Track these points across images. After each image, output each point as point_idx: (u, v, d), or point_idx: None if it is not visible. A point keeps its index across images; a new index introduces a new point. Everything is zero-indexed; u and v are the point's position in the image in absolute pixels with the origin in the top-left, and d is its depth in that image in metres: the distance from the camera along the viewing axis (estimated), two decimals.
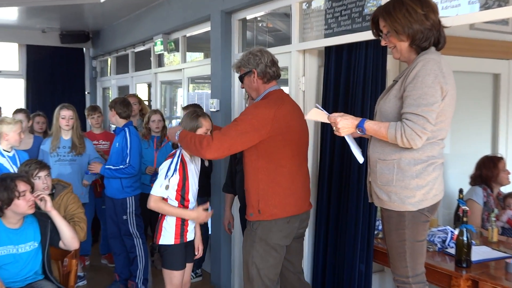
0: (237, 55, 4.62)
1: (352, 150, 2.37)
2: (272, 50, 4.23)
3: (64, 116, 4.57)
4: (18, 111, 5.12)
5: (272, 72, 2.93)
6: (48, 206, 3.07)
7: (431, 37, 2.19)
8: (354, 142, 2.40)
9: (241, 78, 2.99)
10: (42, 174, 3.47)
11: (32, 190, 3.02)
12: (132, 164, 4.27)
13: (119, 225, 4.45)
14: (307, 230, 3.74)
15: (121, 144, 4.31)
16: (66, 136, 4.61)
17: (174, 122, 6.90)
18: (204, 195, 4.81)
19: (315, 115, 2.34)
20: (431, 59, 2.12)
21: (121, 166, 4.28)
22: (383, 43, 2.31)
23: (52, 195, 3.55)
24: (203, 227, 4.79)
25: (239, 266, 4.77)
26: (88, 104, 8.94)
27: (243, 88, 3.04)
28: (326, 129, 3.54)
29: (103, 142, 5.34)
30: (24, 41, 8.51)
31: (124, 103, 4.34)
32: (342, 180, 3.35)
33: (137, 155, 4.30)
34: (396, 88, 2.22)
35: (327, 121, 2.29)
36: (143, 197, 4.69)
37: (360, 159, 2.38)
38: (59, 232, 3.09)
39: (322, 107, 2.42)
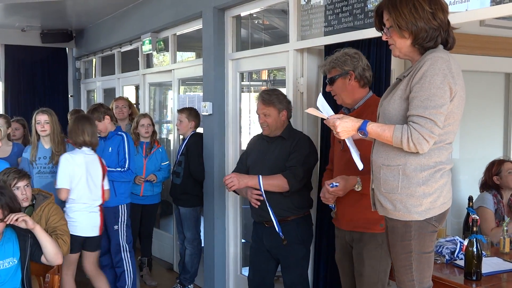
0: (231, 54, 4.64)
1: (352, 155, 2.38)
2: (269, 49, 4.27)
3: (39, 121, 4.33)
4: None
5: (369, 76, 2.98)
6: (30, 224, 3.04)
7: (436, 37, 2.19)
8: (354, 146, 2.40)
9: (332, 80, 2.98)
10: (21, 184, 3.44)
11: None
12: (132, 168, 4.35)
13: (109, 237, 4.44)
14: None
15: (115, 149, 4.33)
16: (47, 144, 4.40)
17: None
18: (197, 205, 4.81)
19: (314, 111, 2.35)
20: (439, 58, 2.12)
21: (119, 169, 4.30)
22: (384, 37, 2.32)
23: (32, 206, 3.53)
24: (194, 240, 4.79)
25: (234, 280, 4.76)
26: (71, 108, 8.90)
27: (329, 90, 3.02)
28: (327, 127, 3.55)
29: None
30: (2, 40, 8.48)
31: (104, 107, 4.60)
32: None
33: (134, 161, 4.35)
34: (402, 88, 2.22)
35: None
36: (133, 207, 4.70)
37: (360, 166, 2.38)
38: (42, 248, 3.07)
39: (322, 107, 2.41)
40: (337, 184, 2.87)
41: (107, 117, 4.53)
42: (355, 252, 2.96)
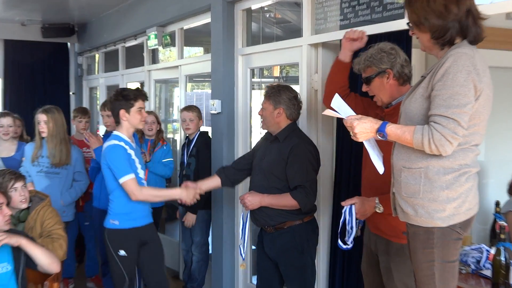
0: (241, 49, 4.63)
1: (371, 159, 2.36)
2: (281, 44, 4.26)
3: (39, 121, 4.53)
4: (4, 114, 5.08)
5: (408, 73, 2.90)
6: (13, 242, 2.93)
7: (450, 29, 2.18)
8: (374, 148, 2.39)
9: (369, 79, 2.91)
10: (19, 185, 3.47)
11: (8, 203, 3.01)
12: None
13: None
14: (321, 239, 3.76)
15: None
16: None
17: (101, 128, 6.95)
18: (208, 207, 4.79)
19: (333, 113, 2.35)
20: (463, 54, 2.10)
21: None
22: (410, 33, 2.34)
23: (27, 209, 3.54)
24: (203, 245, 4.79)
25: None
26: (73, 106, 8.97)
27: (366, 90, 2.97)
28: (343, 127, 3.53)
29: (87, 150, 5.35)
30: (1, 35, 8.56)
31: None
32: (359, 187, 3.32)
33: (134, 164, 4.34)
34: (423, 86, 2.21)
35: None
36: None
37: (381, 169, 2.36)
38: (34, 260, 3.01)
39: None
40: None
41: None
42: (382, 266, 2.93)
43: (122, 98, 3.63)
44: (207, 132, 4.89)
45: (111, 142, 3.60)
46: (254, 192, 3.51)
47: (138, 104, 3.65)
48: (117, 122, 3.66)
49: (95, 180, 4.73)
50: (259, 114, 3.57)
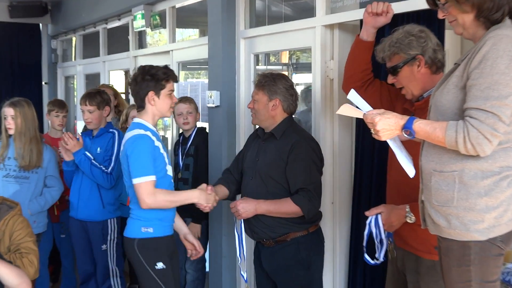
0: (243, 32, 4.64)
1: (399, 160, 2.36)
2: (290, 25, 4.27)
3: (6, 115, 4.53)
4: None
5: (442, 58, 2.88)
6: None
7: (504, 5, 2.17)
8: (401, 148, 2.40)
9: (396, 69, 2.89)
10: None
11: None
12: (114, 174, 4.36)
13: (94, 260, 4.47)
14: (337, 254, 3.80)
15: (103, 148, 4.37)
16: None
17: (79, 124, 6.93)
18: (206, 218, 4.76)
19: (348, 110, 2.35)
20: (504, 36, 2.10)
21: (103, 168, 4.34)
22: (440, 15, 2.32)
23: None
24: (199, 262, 4.79)
25: None
26: (46, 98, 8.99)
27: (392, 82, 2.96)
28: (363, 124, 3.54)
29: None
30: None
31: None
32: (382, 192, 3.33)
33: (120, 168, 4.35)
34: (457, 74, 2.21)
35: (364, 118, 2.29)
36: (122, 222, 4.69)
37: (411, 172, 2.37)
38: (1, 281, 3.03)
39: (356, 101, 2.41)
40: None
41: (107, 108, 4.56)
42: (411, 286, 2.92)
43: (150, 78, 3.45)
44: (205, 128, 4.90)
45: (135, 131, 3.42)
46: (248, 198, 3.50)
47: (169, 85, 3.51)
48: (141, 107, 3.50)
49: (71, 186, 4.74)
50: (250, 108, 3.58)
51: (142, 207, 3.36)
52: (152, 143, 3.42)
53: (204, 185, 3.56)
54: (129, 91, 3.57)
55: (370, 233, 2.87)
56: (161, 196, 3.39)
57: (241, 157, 3.77)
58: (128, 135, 3.46)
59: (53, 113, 5.40)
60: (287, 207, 3.37)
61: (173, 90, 3.56)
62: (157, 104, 3.46)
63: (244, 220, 3.54)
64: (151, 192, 3.33)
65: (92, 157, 4.34)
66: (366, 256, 2.90)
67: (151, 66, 3.55)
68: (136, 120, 3.52)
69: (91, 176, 4.32)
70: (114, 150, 4.39)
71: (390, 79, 2.94)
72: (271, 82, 3.47)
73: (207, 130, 4.90)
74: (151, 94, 3.43)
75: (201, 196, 3.49)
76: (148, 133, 3.43)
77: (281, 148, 3.44)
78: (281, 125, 3.50)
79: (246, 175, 3.64)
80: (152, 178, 3.35)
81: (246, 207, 3.41)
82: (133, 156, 3.37)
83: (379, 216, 2.85)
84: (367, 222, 2.85)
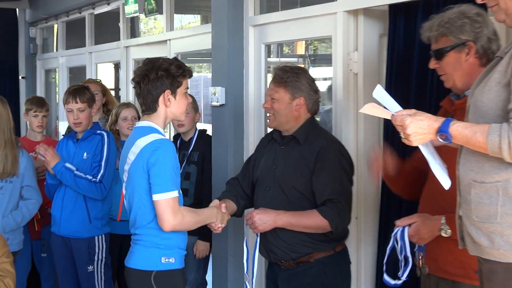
0: (253, 18, 4.66)
1: (432, 169, 2.38)
2: (307, 11, 4.28)
3: None
4: None
5: (496, 50, 2.82)
6: None
7: None
8: (435, 155, 2.41)
9: (441, 53, 2.89)
10: None
11: None
12: (105, 182, 4.33)
13: (79, 283, 4.49)
14: (362, 275, 3.81)
15: (91, 154, 4.38)
16: None
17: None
18: (209, 237, 4.77)
19: (374, 109, 2.36)
20: None
21: (89, 177, 4.32)
22: (479, 0, 2.32)
23: None
24: (199, 286, 4.80)
25: None
26: (23, 94, 8.99)
27: (435, 67, 2.96)
28: (392, 125, 3.56)
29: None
30: None
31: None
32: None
33: (112, 174, 4.40)
34: (500, 69, 2.21)
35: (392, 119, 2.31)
36: (112, 239, 4.73)
37: (446, 183, 2.38)
38: None
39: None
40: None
41: (95, 106, 4.59)
42: None
43: (165, 74, 3.28)
44: (206, 131, 4.90)
45: (153, 136, 3.24)
46: (266, 208, 3.47)
47: (185, 82, 3.38)
48: (151, 109, 3.31)
49: (53, 199, 4.75)
50: (266, 107, 3.57)
51: (165, 228, 3.18)
52: (175, 151, 3.32)
53: (216, 202, 3.51)
54: (137, 90, 3.31)
55: (393, 248, 2.86)
56: (188, 215, 3.27)
57: (252, 164, 3.75)
58: (143, 141, 3.24)
59: (31, 112, 5.40)
60: (312, 220, 3.35)
61: (188, 88, 3.45)
62: (173, 105, 3.32)
63: (259, 235, 3.52)
64: (177, 210, 3.18)
65: (74, 168, 4.30)
66: (386, 276, 2.89)
67: (161, 60, 3.40)
68: (145, 123, 3.35)
69: (78, 189, 4.32)
70: (104, 154, 4.36)
71: (432, 64, 2.94)
72: (295, 78, 3.46)
73: (212, 133, 4.90)
74: (167, 93, 3.28)
75: (218, 215, 3.43)
76: (166, 137, 3.34)
77: (306, 154, 3.44)
78: (304, 127, 3.49)
79: (260, 185, 3.63)
80: (176, 194, 3.20)
81: (264, 218, 3.38)
82: (157, 166, 3.18)
83: (406, 228, 2.84)
84: (392, 234, 2.84)
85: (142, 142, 3.23)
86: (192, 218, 3.30)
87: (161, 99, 3.28)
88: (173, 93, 3.29)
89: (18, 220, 4.64)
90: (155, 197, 3.16)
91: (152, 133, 3.24)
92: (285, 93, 3.46)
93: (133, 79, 3.41)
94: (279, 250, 3.48)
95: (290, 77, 3.46)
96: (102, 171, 4.35)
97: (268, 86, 4.69)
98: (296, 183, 3.46)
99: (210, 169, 4.71)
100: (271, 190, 3.54)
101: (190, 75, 3.43)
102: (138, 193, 3.26)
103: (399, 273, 2.85)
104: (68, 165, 4.31)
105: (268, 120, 3.60)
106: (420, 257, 2.91)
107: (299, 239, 3.42)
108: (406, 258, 2.84)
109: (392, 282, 2.85)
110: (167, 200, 3.14)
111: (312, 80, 3.53)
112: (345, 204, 3.37)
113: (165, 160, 3.19)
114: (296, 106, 3.46)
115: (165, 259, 3.31)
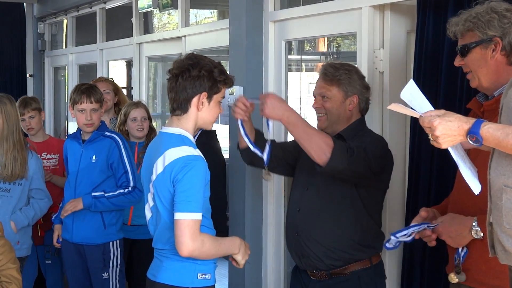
0: (273, 14, 4.66)
1: (462, 173, 2.36)
2: (330, 6, 4.28)
3: None
4: None
5: None
6: None
7: None
8: (465, 158, 2.39)
9: (466, 49, 2.88)
10: None
11: None
12: (139, 186, 4.32)
13: None
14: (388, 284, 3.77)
15: (102, 159, 4.35)
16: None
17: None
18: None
19: (401, 108, 2.35)
20: None
21: (121, 191, 4.32)
22: None
23: None
24: None
25: None
26: (31, 93, 9.02)
27: (460, 64, 2.95)
28: (420, 125, 3.54)
29: (48, 156, 5.39)
30: None
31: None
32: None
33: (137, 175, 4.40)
34: None
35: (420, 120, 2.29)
36: (125, 244, 4.73)
37: (476, 188, 2.37)
38: None
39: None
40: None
41: (105, 106, 4.64)
42: None
43: (208, 75, 3.16)
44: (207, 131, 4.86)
45: (187, 150, 3.14)
46: (282, 99, 3.40)
47: (223, 91, 3.28)
48: (182, 109, 3.19)
49: (62, 202, 4.75)
50: (316, 107, 3.49)
51: (182, 252, 3.06)
52: (208, 172, 3.19)
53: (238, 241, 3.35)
54: (172, 84, 3.16)
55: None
56: (209, 243, 3.14)
57: (296, 151, 3.62)
58: (174, 153, 3.12)
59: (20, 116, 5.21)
60: (316, 133, 3.23)
61: (224, 97, 3.34)
62: (205, 110, 3.20)
63: (291, 236, 3.49)
64: (197, 234, 3.05)
65: (102, 193, 4.28)
66: (387, 243, 2.94)
67: (207, 60, 3.26)
68: (176, 130, 3.23)
69: (120, 207, 4.39)
70: (125, 160, 4.35)
71: (458, 61, 2.93)
72: (348, 75, 3.44)
73: (227, 134, 4.89)
74: (203, 95, 3.15)
75: (241, 248, 3.29)
76: (198, 152, 3.18)
77: None
78: (353, 126, 3.47)
79: (297, 185, 3.61)
80: (199, 216, 3.08)
81: (276, 105, 3.26)
82: (184, 183, 3.07)
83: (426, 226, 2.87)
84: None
85: (172, 154, 3.12)
86: (213, 247, 3.15)
87: (194, 100, 3.15)
88: (209, 97, 3.17)
89: (30, 215, 4.67)
90: (176, 215, 3.04)
91: (185, 145, 3.13)
92: (338, 91, 3.43)
93: (170, 70, 3.23)
94: (313, 254, 3.40)
95: (343, 75, 3.43)
96: (131, 177, 4.36)
97: (288, 85, 4.72)
98: (337, 187, 3.38)
99: (213, 162, 4.63)
100: (309, 191, 3.50)
101: (231, 85, 3.35)
102: (166, 207, 3.17)
103: (398, 234, 2.88)
104: (94, 193, 4.29)
105: (318, 121, 3.50)
106: (459, 262, 2.88)
107: (335, 242, 3.37)
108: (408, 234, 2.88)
109: (388, 245, 2.93)
110: (187, 221, 3.02)
111: (363, 77, 3.52)
112: (364, 153, 3.22)
113: (194, 179, 3.07)
114: (349, 105, 3.44)
115: (201, 275, 3.24)
